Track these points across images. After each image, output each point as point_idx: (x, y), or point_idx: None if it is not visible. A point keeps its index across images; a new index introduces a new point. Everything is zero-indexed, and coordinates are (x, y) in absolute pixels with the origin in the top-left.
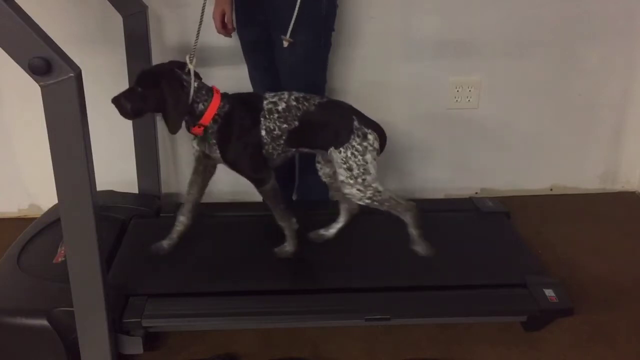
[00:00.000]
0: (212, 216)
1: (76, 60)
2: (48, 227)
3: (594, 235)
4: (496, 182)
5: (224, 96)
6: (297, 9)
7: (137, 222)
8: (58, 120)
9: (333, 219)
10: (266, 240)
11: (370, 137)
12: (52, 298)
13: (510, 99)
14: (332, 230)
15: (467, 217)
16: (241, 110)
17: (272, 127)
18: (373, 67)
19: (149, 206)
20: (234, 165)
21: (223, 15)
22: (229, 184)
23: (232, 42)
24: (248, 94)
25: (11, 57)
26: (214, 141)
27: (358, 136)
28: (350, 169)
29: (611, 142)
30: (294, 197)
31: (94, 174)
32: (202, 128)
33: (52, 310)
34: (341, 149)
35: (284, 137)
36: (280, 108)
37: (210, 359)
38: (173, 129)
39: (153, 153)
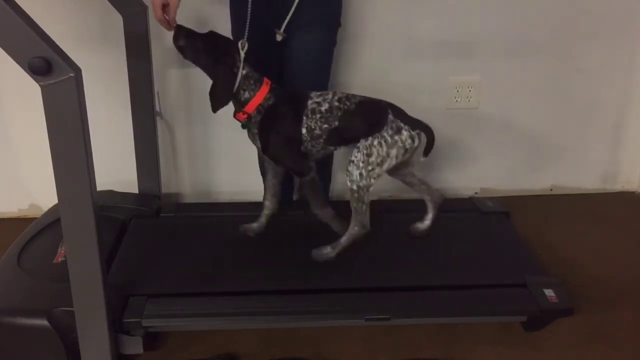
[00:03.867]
0: (212, 216)
1: (76, 60)
2: (48, 227)
3: (594, 235)
4: (496, 182)
5: (273, 89)
6: (294, 7)
7: (137, 222)
8: (58, 120)
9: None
10: (266, 240)
11: (404, 133)
12: (52, 298)
13: (511, 98)
14: (427, 222)
15: (467, 217)
16: (285, 105)
17: (313, 127)
18: (373, 67)
19: (149, 206)
20: (272, 157)
21: (163, 5)
22: (229, 184)
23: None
24: (295, 90)
25: (11, 57)
26: (256, 131)
27: (391, 128)
28: (370, 154)
29: (611, 142)
30: (294, 197)
31: (94, 173)
32: (245, 115)
33: (52, 310)
34: (370, 137)
35: (324, 137)
36: (323, 109)
37: (210, 359)
38: (215, 107)
39: (153, 153)
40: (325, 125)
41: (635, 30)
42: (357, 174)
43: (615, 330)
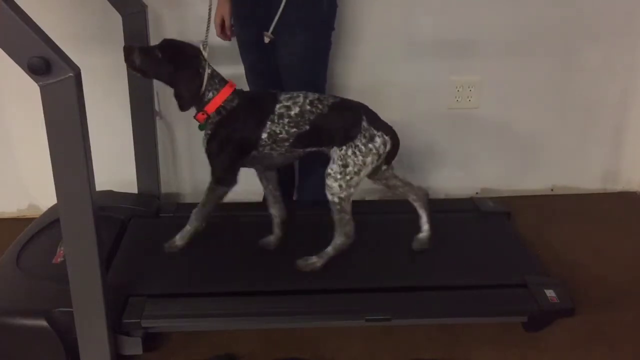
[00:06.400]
0: (211, 216)
1: (75, 59)
2: (47, 227)
3: (595, 235)
4: (497, 182)
5: (236, 92)
6: (281, 8)
7: (137, 222)
8: (57, 120)
9: (332, 218)
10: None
11: (377, 140)
12: (52, 298)
13: (511, 98)
14: (425, 227)
15: (467, 217)
16: (248, 108)
17: (278, 131)
18: (373, 67)
19: (148, 206)
20: (208, 155)
21: (223, 22)
22: None
23: (229, 42)
24: (263, 92)
25: (10, 57)
26: (209, 132)
27: (365, 137)
28: (346, 165)
29: (612, 142)
30: (294, 197)
31: (93, 174)
32: (205, 116)
33: (51, 311)
34: (344, 147)
35: (290, 140)
36: (292, 113)
37: (210, 359)
38: (184, 106)
39: (152, 153)
40: (294, 129)
41: (635, 30)
42: (337, 186)
43: (615, 330)
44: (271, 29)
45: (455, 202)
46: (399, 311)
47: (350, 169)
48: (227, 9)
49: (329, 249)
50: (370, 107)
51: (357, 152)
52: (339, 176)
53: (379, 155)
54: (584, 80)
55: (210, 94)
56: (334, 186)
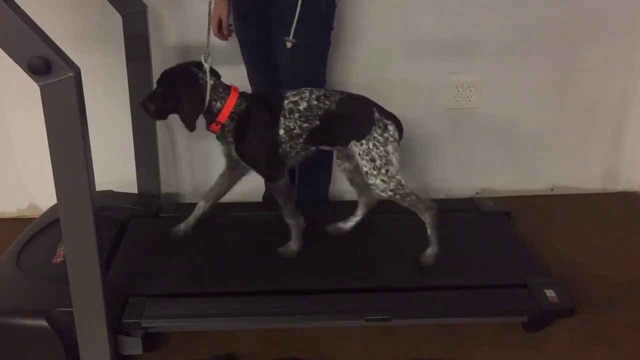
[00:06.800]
0: (212, 216)
1: (75, 60)
2: (47, 227)
3: (595, 235)
4: (497, 182)
5: (242, 95)
6: (298, 10)
7: (137, 222)
8: (57, 120)
9: (332, 218)
10: (266, 240)
11: (390, 128)
12: (52, 298)
13: (511, 98)
14: (350, 223)
15: (467, 217)
16: (259, 108)
17: (292, 127)
18: (373, 67)
19: (148, 206)
20: (249, 162)
21: (220, 21)
22: None
23: (230, 43)
24: (269, 92)
25: (10, 57)
26: (231, 139)
27: (379, 127)
28: (373, 159)
29: (612, 142)
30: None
31: (93, 174)
32: (219, 126)
33: (51, 311)
34: (363, 141)
35: (304, 136)
36: (301, 107)
37: (210, 359)
38: (190, 127)
39: (152, 153)
40: (306, 124)
41: (635, 30)
42: (380, 182)
43: (615, 330)
44: (292, 33)
45: (455, 202)
46: (399, 311)
47: (379, 162)
48: (225, 9)
49: (430, 233)
50: None
51: (377, 144)
52: (375, 172)
53: (396, 141)
54: (584, 80)
55: (219, 104)
56: (378, 184)
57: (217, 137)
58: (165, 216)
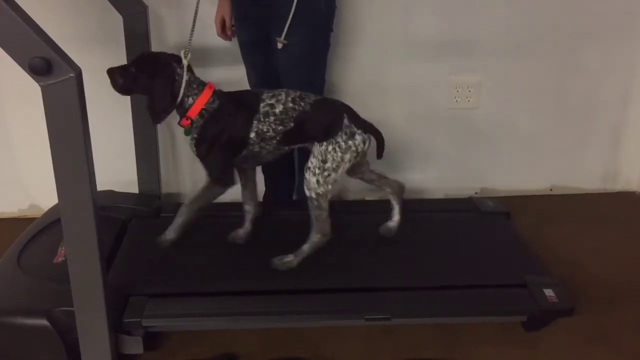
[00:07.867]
0: (212, 216)
1: (76, 60)
2: (48, 227)
3: (594, 235)
4: (496, 182)
5: (216, 93)
6: (292, 10)
7: (137, 222)
8: (58, 120)
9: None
10: (266, 240)
11: (358, 137)
12: (53, 298)
13: (511, 99)
14: (396, 217)
15: (467, 217)
16: (231, 109)
17: (265, 130)
18: (373, 67)
19: (149, 206)
20: (202, 159)
21: (223, 22)
22: None
23: (230, 42)
24: (244, 92)
25: (11, 57)
26: (195, 135)
27: (345, 134)
28: (325, 161)
29: (611, 142)
30: (294, 197)
31: (94, 173)
32: (189, 121)
33: (52, 310)
34: (324, 142)
35: (277, 138)
36: (277, 111)
37: (210, 359)
38: (155, 119)
39: (153, 153)
40: (281, 127)
41: (635, 30)
42: (314, 181)
43: (615, 331)
44: (283, 34)
45: (454, 202)
46: (398, 311)
47: (329, 164)
48: (228, 9)
49: (305, 247)
50: (369, 107)
51: (337, 149)
52: (317, 171)
53: (358, 153)
54: (583, 80)
55: (190, 100)
56: (312, 181)
57: (185, 132)
58: (166, 216)
